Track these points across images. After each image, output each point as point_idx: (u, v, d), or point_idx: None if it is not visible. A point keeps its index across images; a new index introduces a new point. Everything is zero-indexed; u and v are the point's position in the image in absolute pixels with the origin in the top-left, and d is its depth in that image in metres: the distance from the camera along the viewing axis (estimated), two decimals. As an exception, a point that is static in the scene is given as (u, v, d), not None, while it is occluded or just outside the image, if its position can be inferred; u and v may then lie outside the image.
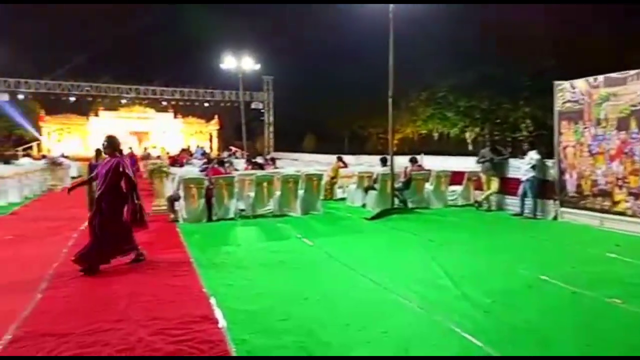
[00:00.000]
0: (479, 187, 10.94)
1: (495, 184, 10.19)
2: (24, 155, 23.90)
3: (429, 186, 11.06)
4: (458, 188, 11.30)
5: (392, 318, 4.02)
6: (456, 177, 11.35)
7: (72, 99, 33.64)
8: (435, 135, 36.11)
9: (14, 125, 34.57)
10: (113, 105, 36.77)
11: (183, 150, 26.09)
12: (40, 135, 34.49)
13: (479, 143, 29.81)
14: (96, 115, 36.01)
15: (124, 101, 36.00)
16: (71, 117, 35.59)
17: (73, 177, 16.69)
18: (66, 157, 19.10)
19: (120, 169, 5.63)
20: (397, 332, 3.70)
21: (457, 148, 29.13)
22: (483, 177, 10.47)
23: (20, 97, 32.64)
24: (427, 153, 16.42)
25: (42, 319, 3.97)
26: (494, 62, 26.21)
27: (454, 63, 28.51)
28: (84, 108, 36.00)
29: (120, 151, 6.03)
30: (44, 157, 21.32)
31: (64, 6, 36.65)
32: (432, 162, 13.44)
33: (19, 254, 6.38)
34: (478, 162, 10.61)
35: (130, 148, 28.09)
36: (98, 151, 11.09)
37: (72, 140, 35.04)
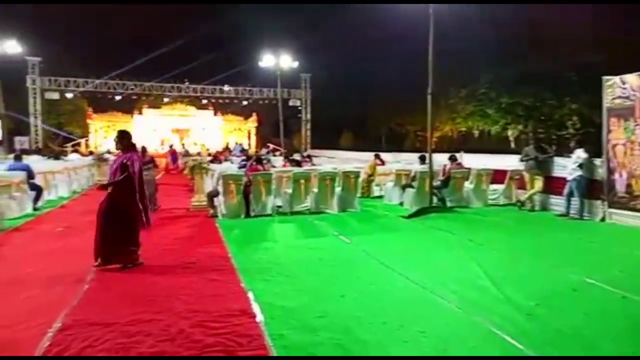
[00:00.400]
0: (522, 186, 10.61)
1: (539, 183, 9.85)
2: (72, 152, 24.99)
3: (468, 185, 10.83)
4: (499, 187, 11.01)
5: (430, 318, 3.97)
6: (498, 176, 11.05)
7: (118, 97, 34.93)
8: (476, 133, 35.33)
9: (63, 123, 36.25)
10: (156, 103, 37.96)
11: (226, 148, 26.58)
12: (88, 132, 35.99)
13: (522, 141, 28.89)
14: (140, 113, 37.32)
15: (166, 99, 37.08)
16: (117, 115, 37.04)
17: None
18: (110, 153, 19.87)
19: (125, 162, 5.45)
20: (435, 332, 3.65)
21: (498, 146, 28.32)
22: (526, 176, 10.14)
23: (69, 95, 34.11)
24: (466, 151, 16.05)
25: (89, 308, 4.14)
26: (538, 57, 25.34)
27: (496, 59, 27.77)
28: (128, 106, 37.34)
29: (133, 145, 5.80)
30: (91, 153, 22.27)
31: (110, 7, 38.05)
32: (472, 160, 13.12)
33: (68, 246, 6.68)
34: (521, 160, 10.28)
35: (172, 145, 28.94)
36: (143, 148, 11.49)
37: (117, 137, 36.26)
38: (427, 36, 9.74)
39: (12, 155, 13.55)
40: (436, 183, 10.42)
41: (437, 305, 4.27)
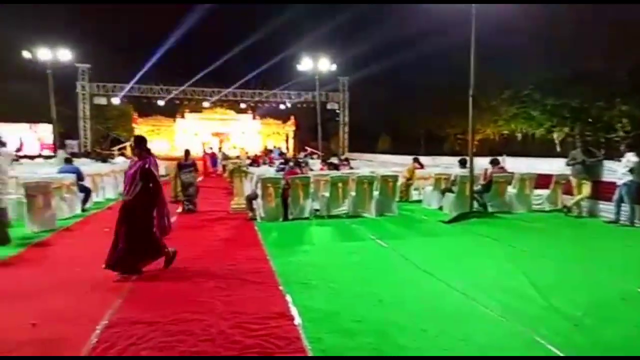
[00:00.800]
0: (568, 192, 10.21)
1: (587, 188, 9.46)
2: (119, 155, 25.99)
3: (511, 189, 10.52)
4: (544, 192, 10.64)
5: (471, 326, 3.88)
6: (542, 180, 10.69)
7: (161, 102, 36.14)
8: (519, 135, 34.37)
9: (110, 127, 37.83)
10: (197, 107, 38.98)
11: (268, 150, 26.85)
12: (134, 136, 37.32)
13: (568, 144, 27.87)
14: (182, 117, 38.43)
15: (206, 104, 37.99)
16: (160, 119, 38.33)
17: (162, 176, 17.85)
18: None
19: (146, 166, 5.30)
20: (476, 340, 3.56)
21: (543, 149, 27.44)
22: (573, 181, 9.76)
23: (116, 101, 35.54)
24: (509, 154, 15.63)
25: (133, 307, 4.29)
26: (586, 57, 24.38)
27: (541, 59, 26.92)
28: (171, 110, 38.54)
29: (148, 150, 5.65)
30: (135, 156, 23.04)
31: (151, 15, 39.39)
32: (515, 164, 12.76)
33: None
34: (568, 164, 9.91)
35: (211, 148, 29.62)
36: (187, 152, 11.82)
37: (160, 141, 37.63)
38: (469, 36, 9.55)
39: (62, 159, 14.16)
40: (477, 187, 10.18)
41: (479, 313, 4.17)
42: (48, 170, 12.49)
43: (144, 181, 5.27)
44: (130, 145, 5.75)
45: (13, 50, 27.34)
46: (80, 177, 10.57)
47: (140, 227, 5.29)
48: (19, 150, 30.33)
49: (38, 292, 4.64)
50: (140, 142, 5.63)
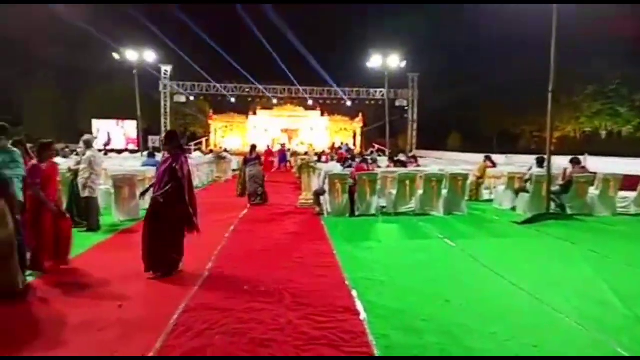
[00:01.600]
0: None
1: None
2: (195, 150, 27.36)
3: (593, 191, 9.83)
4: (631, 194, 9.83)
5: (545, 332, 3.70)
6: (629, 182, 9.90)
7: (233, 99, 37.62)
8: (603, 133, 31.97)
9: (188, 123, 39.92)
10: (269, 104, 40.07)
11: (337, 148, 26.98)
12: (209, 132, 39.22)
13: (660, 143, 25.49)
14: (254, 114, 39.69)
15: (275, 101, 38.95)
16: (234, 116, 39.87)
17: (234, 170, 18.59)
18: (228, 152, 21.43)
19: (174, 166, 5.02)
20: (550, 348, 3.40)
21: (630, 148, 25.29)
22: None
23: (192, 98, 37.47)
24: (591, 153, 14.61)
25: (208, 294, 4.52)
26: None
27: (630, 51, 24.80)
28: (244, 107, 39.97)
29: (181, 146, 5.41)
30: (211, 151, 24.17)
31: (225, 15, 40.88)
32: (598, 164, 11.92)
33: (191, 236, 7.32)
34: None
35: (282, 144, 30.36)
36: (253, 146, 12.22)
37: (233, 136, 39.10)
38: (547, 30, 9.02)
39: (146, 153, 15.15)
40: (555, 188, 9.62)
41: (553, 319, 3.97)
42: (133, 164, 13.42)
43: (173, 180, 5.01)
44: (161, 141, 4.90)
45: (103, 53, 29.67)
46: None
47: (166, 227, 5.05)
48: (107, 144, 32.88)
49: (124, 277, 5.01)
50: (172, 137, 5.34)
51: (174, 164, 5.03)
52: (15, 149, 4.80)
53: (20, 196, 4.61)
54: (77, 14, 31.30)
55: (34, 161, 5.36)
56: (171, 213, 5.04)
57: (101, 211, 8.10)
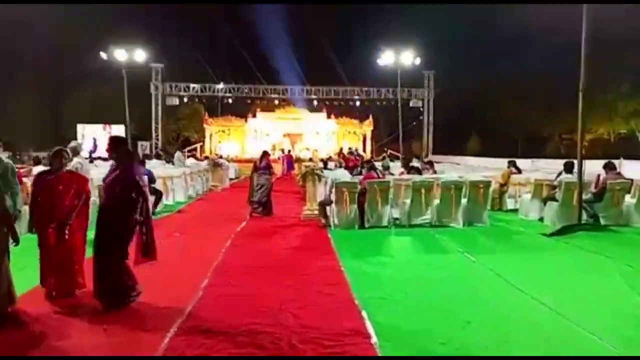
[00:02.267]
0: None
1: None
2: (189, 157, 27.45)
3: (630, 199, 9.78)
4: (672, 202, 9.76)
5: (576, 354, 3.66)
6: (669, 189, 9.82)
7: (230, 100, 37.82)
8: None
9: (181, 127, 40.16)
10: (269, 106, 40.12)
11: (349, 153, 26.97)
12: (204, 136, 39.38)
13: None
14: (254, 116, 39.69)
15: (276, 102, 39.05)
16: (231, 119, 39.89)
17: (231, 179, 18.65)
18: (223, 158, 21.51)
19: (128, 178, 4.70)
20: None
21: (671, 152, 25.15)
22: None
23: (185, 100, 37.77)
24: (627, 157, 14.53)
25: (203, 315, 4.51)
26: None
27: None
28: (242, 110, 40.09)
29: (130, 154, 5.16)
30: (206, 158, 24.27)
31: (222, 12, 41.35)
32: (635, 169, 11.84)
33: (185, 251, 7.36)
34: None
35: (289, 150, 30.41)
36: (264, 152, 12.17)
37: (231, 141, 39.15)
38: (577, 23, 9.02)
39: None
40: (587, 196, 9.57)
41: (586, 341, 3.93)
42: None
43: (124, 193, 4.68)
44: (107, 149, 4.93)
45: (89, 53, 30.00)
46: (151, 179, 11.28)
47: (113, 252, 4.68)
48: (93, 152, 33.11)
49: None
50: (119, 144, 5.00)
51: (127, 176, 4.72)
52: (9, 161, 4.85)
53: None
54: (61, 10, 31.69)
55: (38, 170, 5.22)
56: (121, 233, 4.69)
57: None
